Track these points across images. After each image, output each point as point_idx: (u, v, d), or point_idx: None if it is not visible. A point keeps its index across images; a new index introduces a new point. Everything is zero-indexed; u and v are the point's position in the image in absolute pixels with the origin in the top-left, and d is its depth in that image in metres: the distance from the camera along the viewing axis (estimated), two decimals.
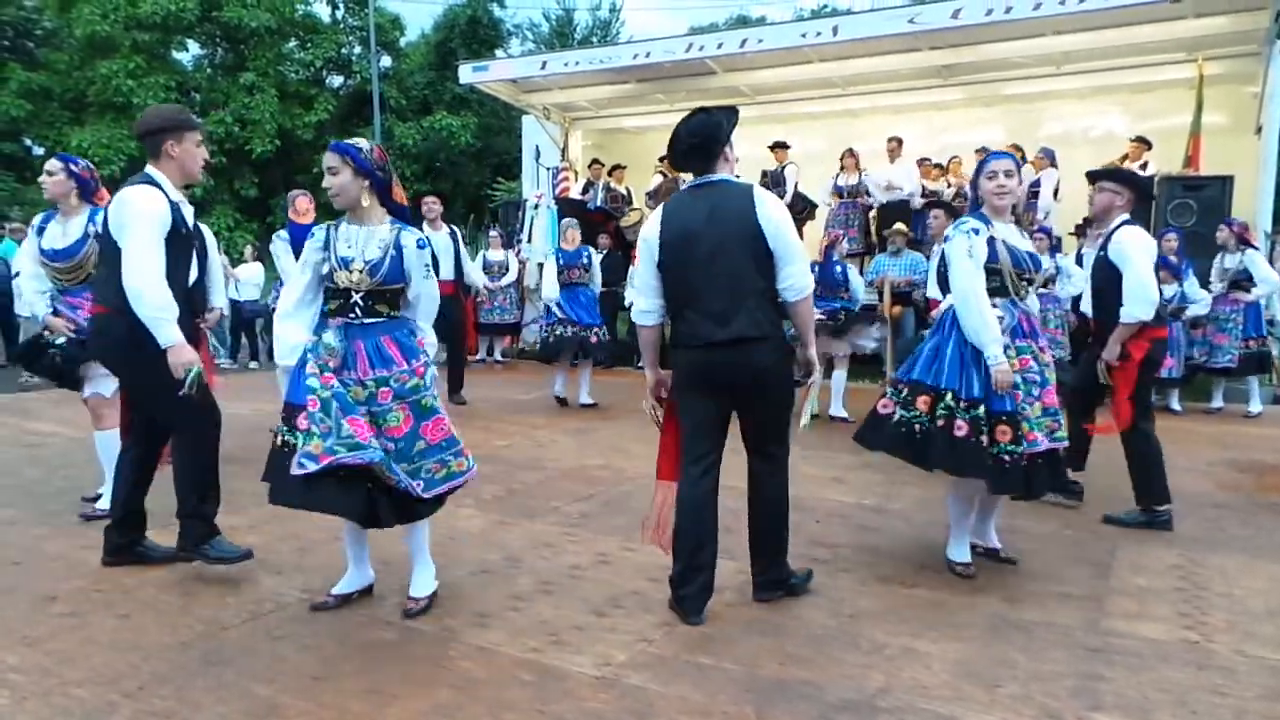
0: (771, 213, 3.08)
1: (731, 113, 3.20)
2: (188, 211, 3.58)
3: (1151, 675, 2.79)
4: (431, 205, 8.18)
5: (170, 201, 3.44)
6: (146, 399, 3.55)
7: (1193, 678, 2.78)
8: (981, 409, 3.44)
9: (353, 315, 3.10)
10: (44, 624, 3.13)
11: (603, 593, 3.47)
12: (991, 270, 3.50)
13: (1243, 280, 7.63)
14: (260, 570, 3.66)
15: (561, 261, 8.03)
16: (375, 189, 3.13)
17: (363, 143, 3.12)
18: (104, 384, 4.36)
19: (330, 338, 3.07)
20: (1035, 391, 3.52)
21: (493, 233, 12.00)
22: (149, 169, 3.53)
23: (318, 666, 2.82)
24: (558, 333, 7.85)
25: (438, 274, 7.47)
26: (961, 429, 3.44)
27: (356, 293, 3.09)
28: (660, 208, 3.28)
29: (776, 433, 3.26)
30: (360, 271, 3.08)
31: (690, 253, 3.11)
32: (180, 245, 3.49)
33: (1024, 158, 9.90)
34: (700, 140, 3.14)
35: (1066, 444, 3.67)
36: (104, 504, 4.33)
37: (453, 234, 8.23)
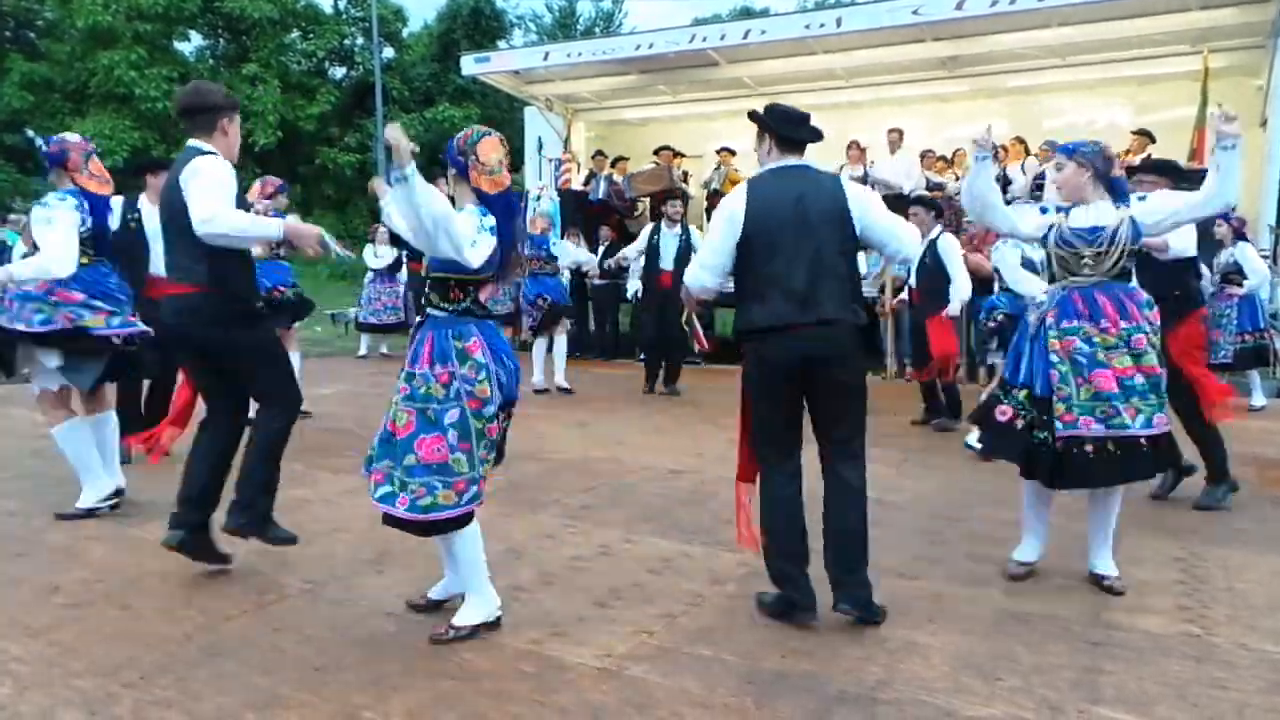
0: (859, 197, 3.20)
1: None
2: None
3: (1152, 668, 2.79)
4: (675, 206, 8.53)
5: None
6: (246, 370, 3.48)
7: (1194, 671, 2.77)
8: (1024, 393, 3.42)
9: (425, 303, 2.96)
10: (46, 615, 3.14)
11: (604, 584, 3.47)
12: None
13: (1233, 274, 7.59)
14: (261, 561, 3.67)
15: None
16: (459, 175, 2.92)
17: (462, 132, 2.97)
18: (49, 378, 4.25)
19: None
20: (1084, 374, 3.30)
21: None
22: (201, 143, 3.40)
23: (319, 657, 2.83)
24: (534, 314, 8.24)
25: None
26: (1005, 414, 3.43)
27: (426, 280, 2.95)
28: (745, 184, 3.26)
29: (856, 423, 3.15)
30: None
31: (780, 232, 3.06)
32: None
33: (1027, 150, 9.89)
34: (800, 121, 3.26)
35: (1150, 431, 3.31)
36: (85, 501, 4.26)
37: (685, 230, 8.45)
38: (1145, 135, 9.34)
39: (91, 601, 3.26)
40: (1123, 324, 3.31)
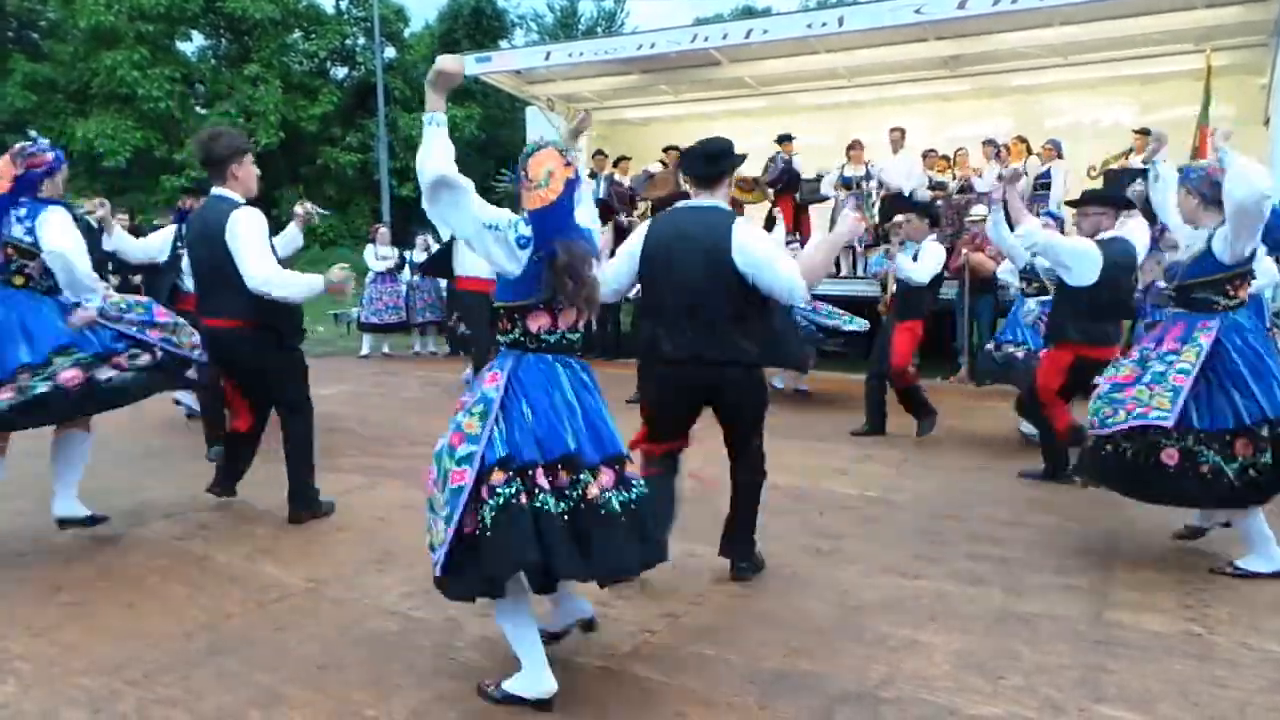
0: (744, 244, 3.20)
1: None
2: None
3: (1154, 667, 2.78)
4: None
5: None
6: (279, 389, 4.21)
7: (1195, 670, 2.77)
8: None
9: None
10: (50, 613, 3.15)
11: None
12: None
13: None
14: (264, 560, 3.68)
15: None
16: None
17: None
18: None
19: None
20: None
21: None
22: (224, 192, 3.97)
23: (321, 656, 2.83)
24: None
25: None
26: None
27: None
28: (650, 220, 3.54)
29: None
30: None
31: (661, 269, 3.32)
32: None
33: (1030, 149, 9.87)
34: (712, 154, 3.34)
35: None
36: (63, 509, 3.95)
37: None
38: (1148, 134, 9.32)
39: (94, 600, 3.27)
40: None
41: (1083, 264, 4.59)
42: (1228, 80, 9.83)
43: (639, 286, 3.50)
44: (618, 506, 2.46)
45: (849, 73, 11.41)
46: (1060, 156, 9.49)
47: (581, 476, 2.44)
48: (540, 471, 2.39)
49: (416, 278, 11.29)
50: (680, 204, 3.50)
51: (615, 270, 3.47)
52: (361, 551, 3.81)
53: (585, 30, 30.36)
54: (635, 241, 3.43)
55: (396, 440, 6.10)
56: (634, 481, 2.58)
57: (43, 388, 3.60)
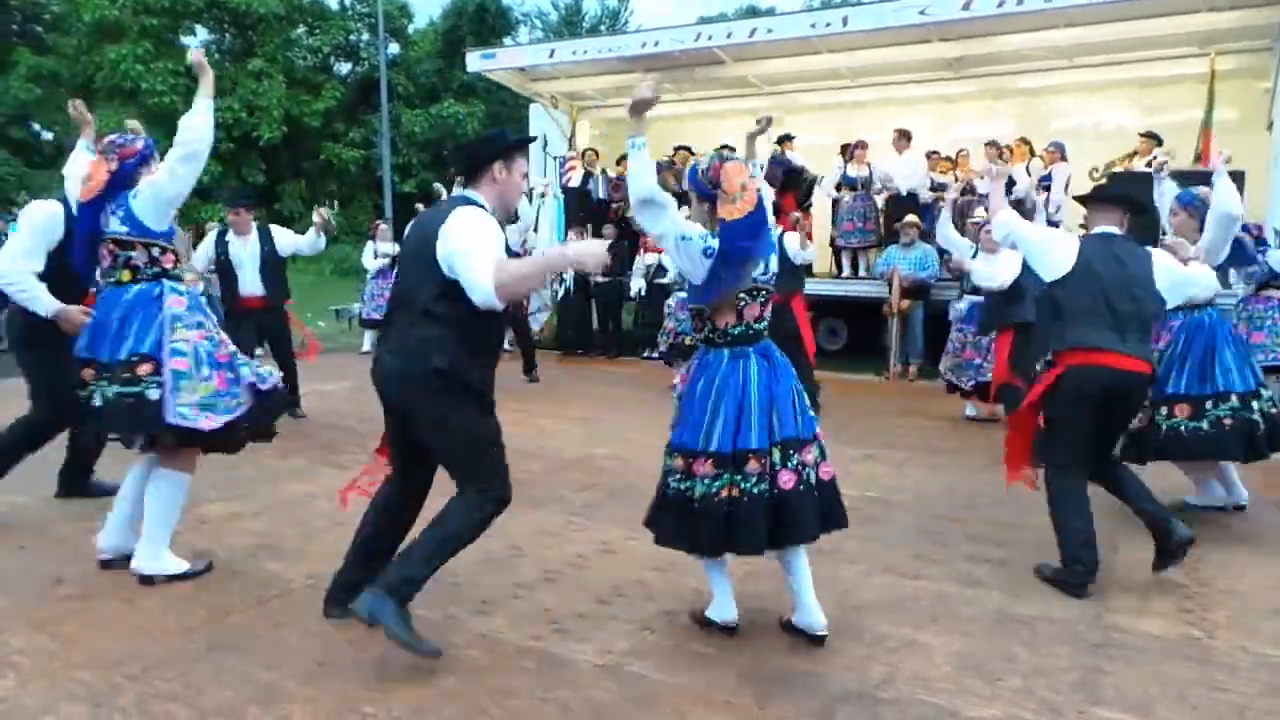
0: (449, 236, 2.69)
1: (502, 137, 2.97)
2: None
3: (1153, 670, 2.79)
4: None
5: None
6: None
7: (1194, 673, 2.77)
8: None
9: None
10: (50, 607, 3.16)
11: (606, 581, 3.48)
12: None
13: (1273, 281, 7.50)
14: (264, 556, 3.68)
15: None
16: (711, 206, 2.85)
17: (702, 160, 2.95)
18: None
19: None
20: None
21: None
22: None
23: (321, 652, 2.84)
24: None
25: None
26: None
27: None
28: None
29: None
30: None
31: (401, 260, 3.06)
32: None
33: (1033, 151, 9.86)
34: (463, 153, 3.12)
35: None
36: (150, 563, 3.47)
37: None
38: (1152, 137, 9.31)
39: (94, 594, 3.27)
40: None
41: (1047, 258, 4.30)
42: (1231, 84, 9.82)
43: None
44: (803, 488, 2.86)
45: (852, 73, 11.41)
46: (1064, 159, 9.47)
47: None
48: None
49: None
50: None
51: None
52: None
53: (589, 28, 30.34)
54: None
55: None
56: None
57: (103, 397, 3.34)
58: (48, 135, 23.89)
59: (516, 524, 4.16)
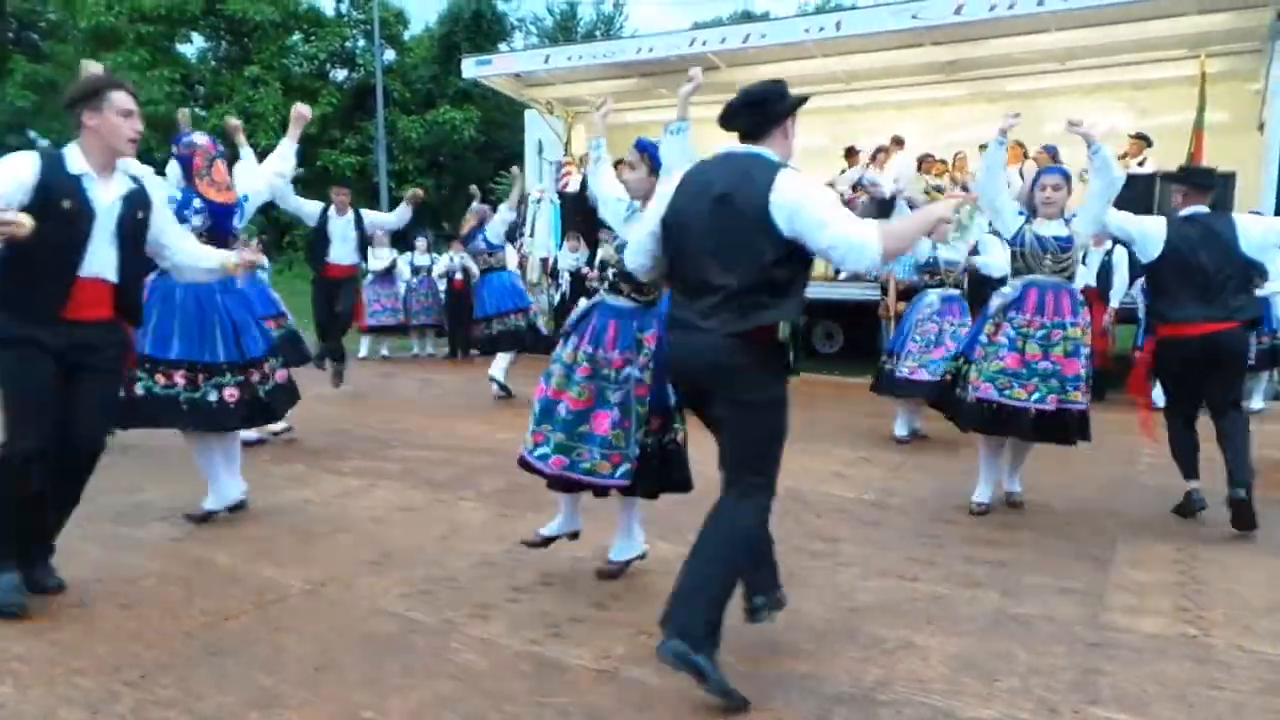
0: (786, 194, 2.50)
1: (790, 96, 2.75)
2: None
3: (1150, 669, 2.80)
4: None
5: None
6: None
7: (1191, 672, 2.78)
8: (960, 360, 4.47)
9: (604, 287, 3.29)
10: (48, 613, 3.15)
11: (604, 585, 3.48)
12: (1015, 252, 4.33)
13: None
14: (262, 561, 3.68)
15: (468, 248, 8.21)
16: None
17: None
18: None
19: (579, 307, 3.35)
20: (1002, 352, 4.22)
21: None
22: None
23: (319, 657, 2.84)
24: (486, 331, 7.94)
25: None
26: (948, 376, 4.53)
27: (611, 266, 3.25)
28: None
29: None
30: (615, 248, 3.27)
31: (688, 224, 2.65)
32: None
33: (1026, 154, 9.90)
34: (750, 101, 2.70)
35: (1044, 408, 4.17)
36: (209, 504, 4.21)
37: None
38: (1142, 139, 9.36)
39: (93, 600, 3.27)
40: (1043, 319, 4.17)
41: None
42: (1222, 86, 9.88)
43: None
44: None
45: (846, 77, 11.46)
46: (1057, 162, 9.51)
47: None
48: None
49: (415, 280, 11.30)
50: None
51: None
52: (359, 553, 3.81)
53: (584, 34, 30.40)
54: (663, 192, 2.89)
55: (394, 442, 6.10)
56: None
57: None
58: (44, 143, 23.82)
59: (514, 527, 4.17)
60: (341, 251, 7.29)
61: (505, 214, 7.98)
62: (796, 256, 2.52)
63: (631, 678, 2.73)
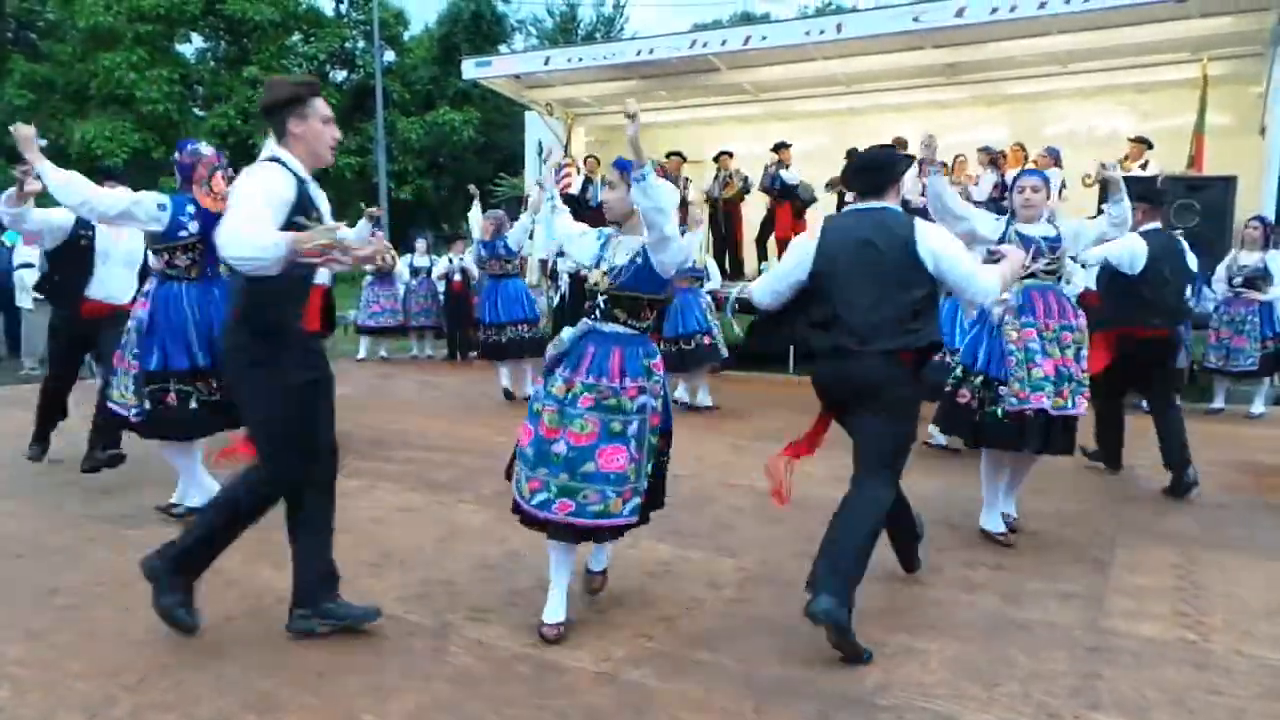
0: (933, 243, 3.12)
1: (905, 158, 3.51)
2: None
3: (1149, 674, 2.79)
4: None
5: None
6: None
7: (1191, 677, 2.78)
8: (980, 378, 4.10)
9: (595, 316, 3.08)
10: (46, 616, 3.14)
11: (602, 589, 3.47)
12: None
13: (1257, 278, 7.53)
14: (261, 563, 3.67)
15: (483, 254, 8.03)
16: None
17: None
18: None
19: (565, 332, 3.09)
20: (1037, 359, 3.97)
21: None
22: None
23: (318, 661, 2.83)
24: (494, 337, 7.88)
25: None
26: (964, 397, 4.12)
27: (601, 295, 3.06)
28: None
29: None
30: (604, 274, 3.06)
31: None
32: None
33: (1026, 156, 9.91)
34: (870, 165, 3.31)
35: (1077, 413, 4.02)
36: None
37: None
38: (1143, 142, 9.36)
39: (91, 604, 3.26)
40: (1051, 321, 4.06)
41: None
42: (1224, 89, 9.89)
43: None
44: None
45: (847, 79, 11.46)
46: (1058, 165, 9.52)
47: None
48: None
49: (414, 281, 11.29)
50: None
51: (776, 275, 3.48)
52: (358, 554, 3.80)
53: (584, 35, 30.43)
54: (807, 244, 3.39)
55: (394, 444, 6.10)
56: None
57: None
58: (42, 142, 23.81)
59: (513, 531, 4.15)
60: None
61: (525, 221, 7.91)
62: (932, 291, 3.13)
63: (630, 680, 2.72)
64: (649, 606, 3.30)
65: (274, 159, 2.82)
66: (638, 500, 2.99)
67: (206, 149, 4.25)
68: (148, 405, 4.02)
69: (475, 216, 8.68)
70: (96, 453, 4.82)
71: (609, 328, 3.03)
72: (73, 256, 4.81)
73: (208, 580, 3.50)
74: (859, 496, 3.11)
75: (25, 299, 8.80)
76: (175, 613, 2.85)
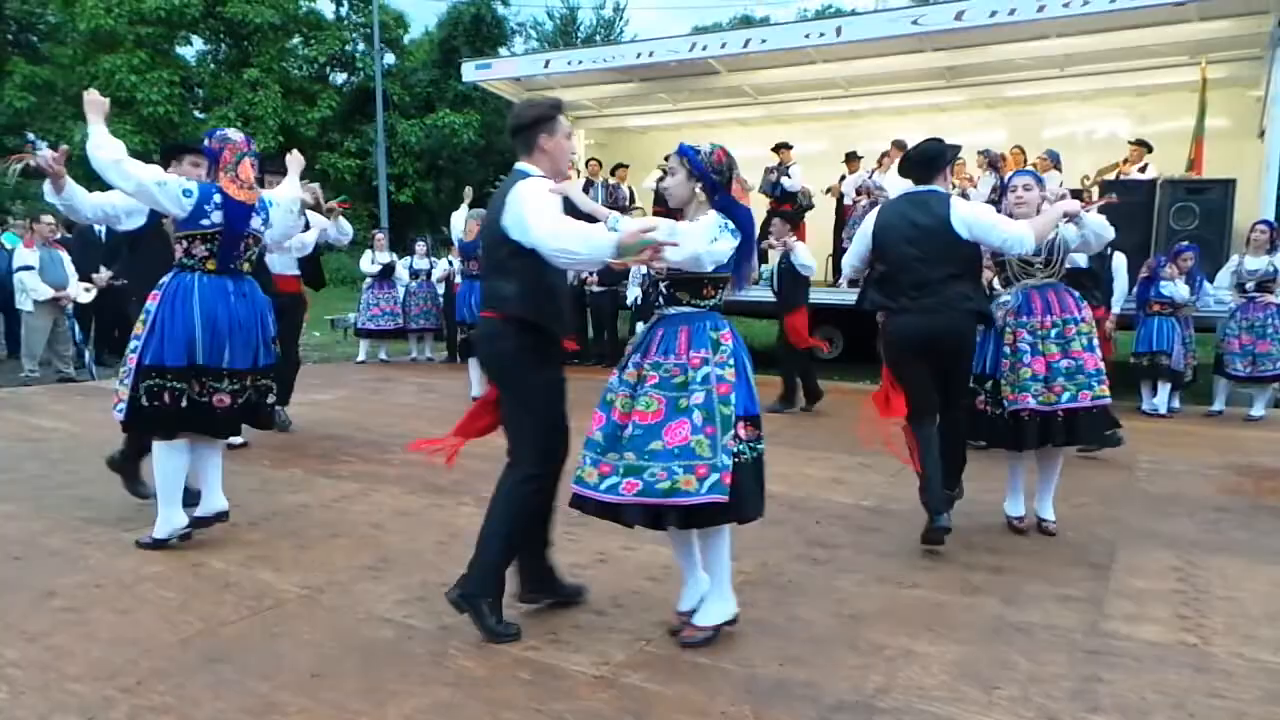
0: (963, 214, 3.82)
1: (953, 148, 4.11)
2: None
3: (1150, 678, 2.79)
4: None
5: None
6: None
7: (1191, 680, 2.77)
8: (989, 382, 4.23)
9: (659, 303, 3.10)
10: (43, 619, 3.14)
11: (602, 592, 3.47)
12: (1003, 261, 4.30)
13: (1268, 281, 7.55)
14: (259, 566, 3.67)
15: (465, 253, 8.11)
16: (708, 189, 3.01)
17: (705, 146, 3.05)
18: None
19: (640, 327, 3.17)
20: (1026, 359, 4.11)
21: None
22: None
23: (316, 664, 2.82)
24: (468, 336, 7.90)
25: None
26: (981, 403, 4.26)
27: (662, 281, 3.08)
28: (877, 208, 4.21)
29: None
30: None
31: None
32: None
33: (1026, 159, 9.92)
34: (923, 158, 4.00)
35: (1077, 406, 4.09)
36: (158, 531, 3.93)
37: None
38: (1142, 145, 9.37)
39: (88, 606, 3.26)
40: (1048, 320, 4.16)
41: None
42: (1223, 92, 9.90)
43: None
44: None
45: (846, 83, 11.48)
46: (1058, 168, 9.54)
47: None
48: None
49: (413, 283, 11.30)
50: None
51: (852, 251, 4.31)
52: (357, 558, 3.80)
53: (584, 38, 30.47)
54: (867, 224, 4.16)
55: (393, 446, 6.09)
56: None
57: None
58: (42, 144, 23.79)
59: None
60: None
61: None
62: (975, 252, 3.92)
63: (630, 684, 2.72)
64: (649, 610, 3.29)
65: (526, 174, 3.06)
66: (717, 477, 2.75)
67: (235, 134, 3.99)
68: (143, 400, 3.75)
69: (460, 215, 8.69)
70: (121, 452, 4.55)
71: (675, 310, 3.02)
72: (164, 235, 4.37)
73: (206, 582, 3.51)
74: (948, 419, 3.98)
75: (25, 301, 8.79)
76: (503, 631, 3.05)
